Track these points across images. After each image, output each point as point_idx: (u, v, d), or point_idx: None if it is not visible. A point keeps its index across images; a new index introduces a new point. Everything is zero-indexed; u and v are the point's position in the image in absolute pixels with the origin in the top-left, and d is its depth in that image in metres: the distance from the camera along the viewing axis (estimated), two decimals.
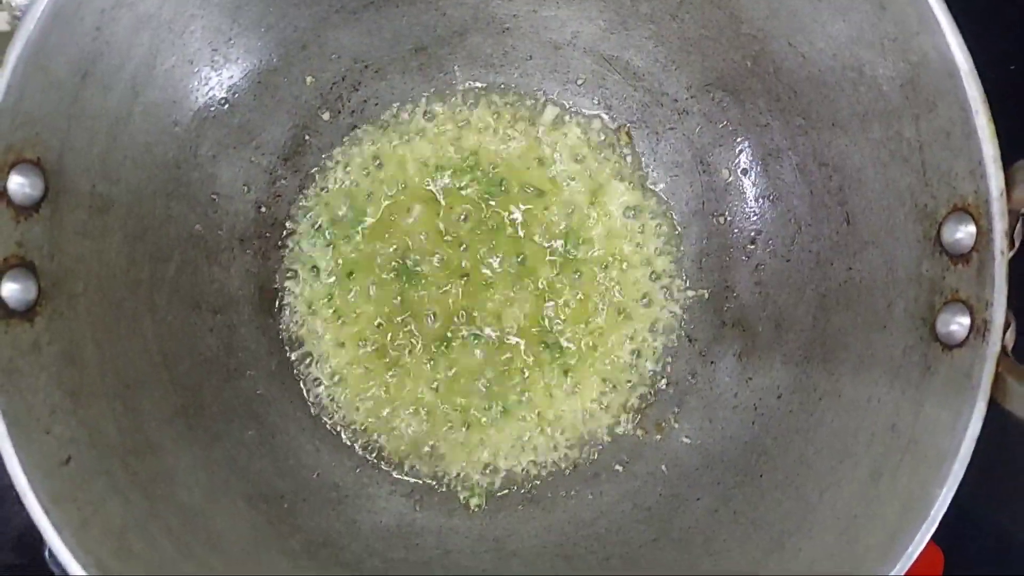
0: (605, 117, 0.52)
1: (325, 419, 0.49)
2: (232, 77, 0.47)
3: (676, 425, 0.49)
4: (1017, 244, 0.37)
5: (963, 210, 0.38)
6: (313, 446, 0.48)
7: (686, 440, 0.49)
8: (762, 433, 0.47)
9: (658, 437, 0.49)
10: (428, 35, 0.50)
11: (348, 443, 0.49)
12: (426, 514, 0.48)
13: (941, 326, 0.38)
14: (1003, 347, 0.37)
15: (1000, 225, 0.36)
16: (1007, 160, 0.37)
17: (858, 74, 0.41)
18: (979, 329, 0.37)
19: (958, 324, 0.37)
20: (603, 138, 0.52)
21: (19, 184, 0.37)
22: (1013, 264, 0.37)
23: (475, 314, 0.50)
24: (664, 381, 0.50)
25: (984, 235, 0.37)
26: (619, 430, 0.50)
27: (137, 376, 0.43)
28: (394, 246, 0.50)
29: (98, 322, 0.42)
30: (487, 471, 0.50)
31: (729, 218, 0.50)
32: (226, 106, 0.47)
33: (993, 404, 0.36)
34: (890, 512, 0.38)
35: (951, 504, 0.36)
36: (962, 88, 0.36)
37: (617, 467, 0.50)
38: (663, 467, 0.48)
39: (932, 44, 0.37)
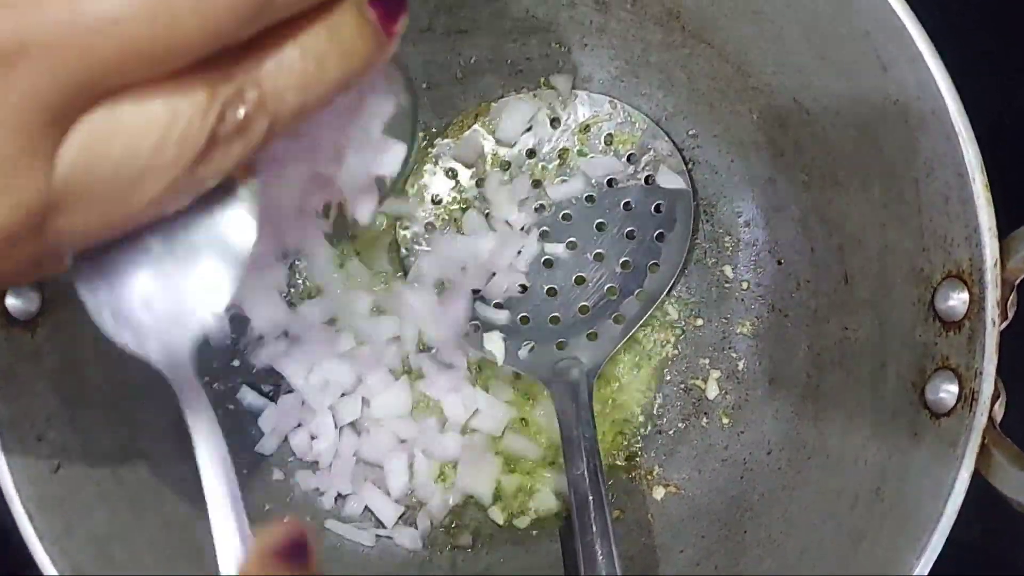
0: None
1: None
2: None
3: (666, 474, 0.49)
4: (1011, 315, 0.37)
5: (957, 277, 0.37)
6: (303, 469, 0.49)
7: (674, 490, 0.48)
8: (749, 488, 0.46)
9: (647, 485, 0.49)
10: (442, 73, 0.50)
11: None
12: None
13: (930, 393, 0.38)
14: (991, 419, 0.36)
15: (992, 295, 0.36)
16: (1005, 228, 0.36)
17: (860, 133, 0.41)
18: (967, 399, 0.36)
19: (947, 392, 0.37)
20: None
21: None
22: (1005, 335, 0.36)
23: None
24: (657, 430, 0.50)
25: (976, 303, 0.36)
26: (610, 476, 0.50)
27: (136, 388, 0.44)
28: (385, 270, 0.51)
29: (102, 334, 0.43)
30: (479, 508, 0.50)
31: (730, 269, 0.50)
32: None
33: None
34: None
35: None
36: (959, 153, 0.36)
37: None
38: (649, 515, 0.48)
39: (931, 108, 0.37)
